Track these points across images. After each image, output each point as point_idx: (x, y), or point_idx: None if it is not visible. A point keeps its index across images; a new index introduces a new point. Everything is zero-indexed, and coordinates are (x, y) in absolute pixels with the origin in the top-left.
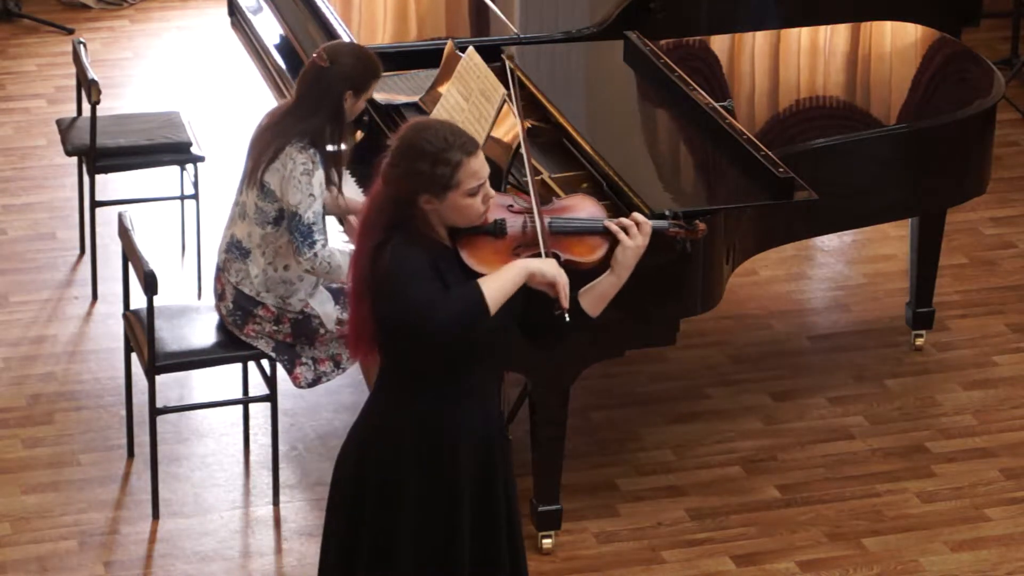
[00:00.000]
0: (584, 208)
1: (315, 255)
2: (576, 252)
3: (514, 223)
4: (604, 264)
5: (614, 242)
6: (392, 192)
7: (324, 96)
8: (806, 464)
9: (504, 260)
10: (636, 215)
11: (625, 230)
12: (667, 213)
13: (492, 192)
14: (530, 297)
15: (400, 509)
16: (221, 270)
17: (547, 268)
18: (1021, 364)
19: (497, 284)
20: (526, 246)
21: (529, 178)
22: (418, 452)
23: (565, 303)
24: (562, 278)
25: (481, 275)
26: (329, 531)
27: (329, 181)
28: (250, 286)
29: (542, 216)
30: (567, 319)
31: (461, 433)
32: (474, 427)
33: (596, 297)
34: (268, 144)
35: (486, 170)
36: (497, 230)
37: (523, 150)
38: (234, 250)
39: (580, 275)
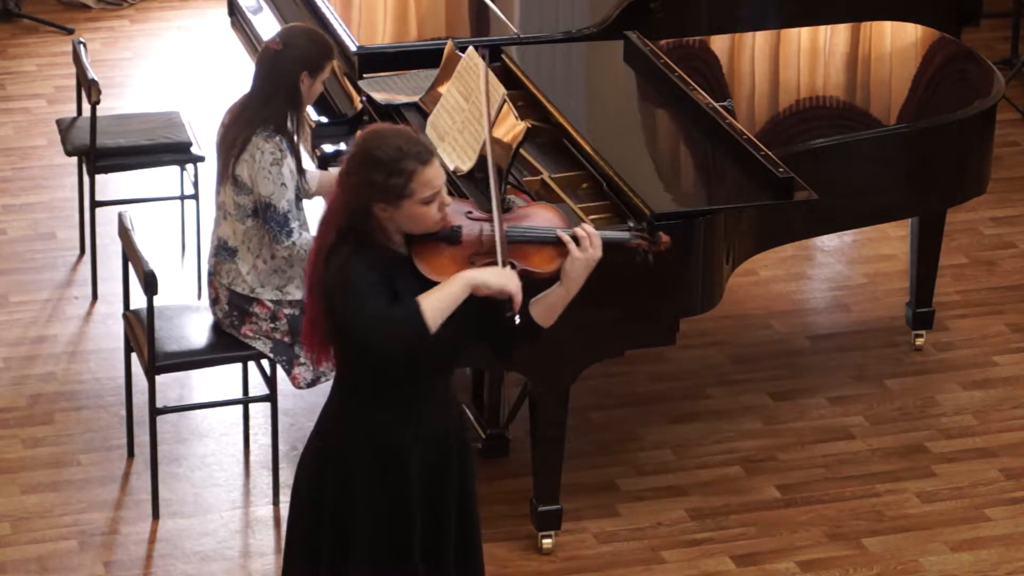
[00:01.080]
0: (543, 217)
1: (293, 243)
2: (533, 262)
3: (470, 230)
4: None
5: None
6: (348, 199)
7: (280, 80)
8: (806, 464)
9: (459, 268)
10: (585, 226)
11: (577, 241)
12: (630, 224)
13: (448, 199)
14: (483, 303)
15: (355, 505)
16: (212, 275)
17: (491, 278)
18: (1021, 364)
19: (437, 300)
20: (482, 254)
21: (491, 184)
22: (364, 456)
23: (516, 306)
24: (510, 285)
25: (435, 283)
26: (292, 530)
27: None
28: (243, 284)
29: (501, 224)
30: (517, 321)
31: (408, 438)
32: (424, 432)
33: (546, 308)
34: (234, 139)
35: (441, 178)
36: (452, 237)
37: (488, 154)
38: (222, 252)
39: (537, 284)
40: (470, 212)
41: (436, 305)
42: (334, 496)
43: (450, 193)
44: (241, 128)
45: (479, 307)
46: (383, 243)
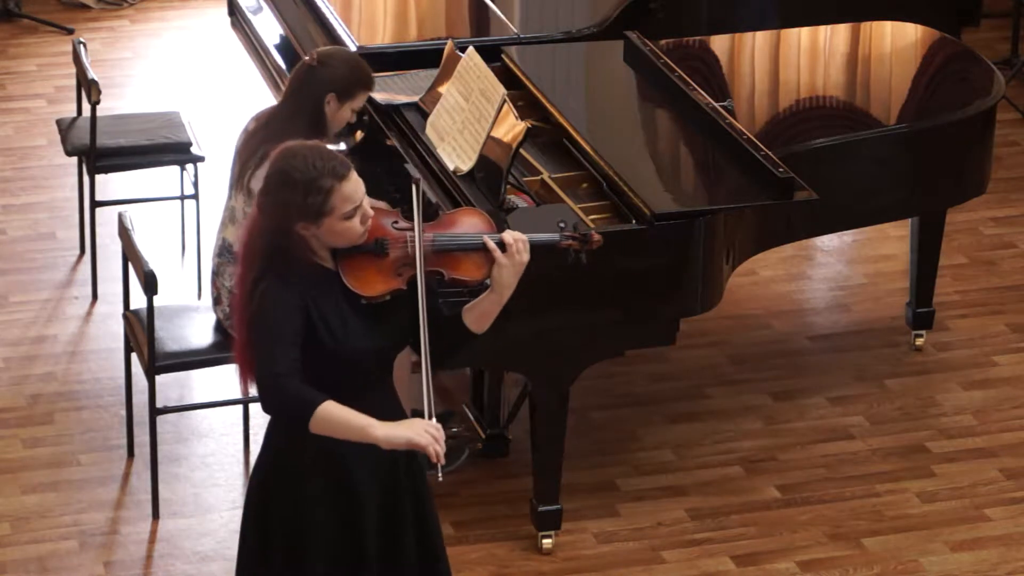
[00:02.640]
0: (468, 223)
1: None
2: (461, 270)
3: (397, 241)
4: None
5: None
6: (267, 221)
7: (307, 96)
8: (806, 464)
9: (386, 279)
10: (513, 232)
11: (504, 247)
12: (561, 225)
13: (371, 212)
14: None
15: (303, 521)
16: (215, 275)
17: (396, 435)
18: (1021, 364)
19: (332, 421)
20: (409, 264)
21: (413, 194)
22: (313, 466)
23: (438, 458)
24: (422, 438)
25: (363, 297)
26: (243, 537)
27: None
28: None
29: (423, 236)
30: (440, 478)
31: (353, 447)
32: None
33: (479, 315)
34: (255, 149)
35: (361, 191)
36: (378, 249)
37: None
38: (226, 254)
39: (473, 291)
40: (396, 222)
41: (330, 421)
42: (283, 511)
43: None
44: (263, 140)
45: (407, 312)
46: (309, 260)
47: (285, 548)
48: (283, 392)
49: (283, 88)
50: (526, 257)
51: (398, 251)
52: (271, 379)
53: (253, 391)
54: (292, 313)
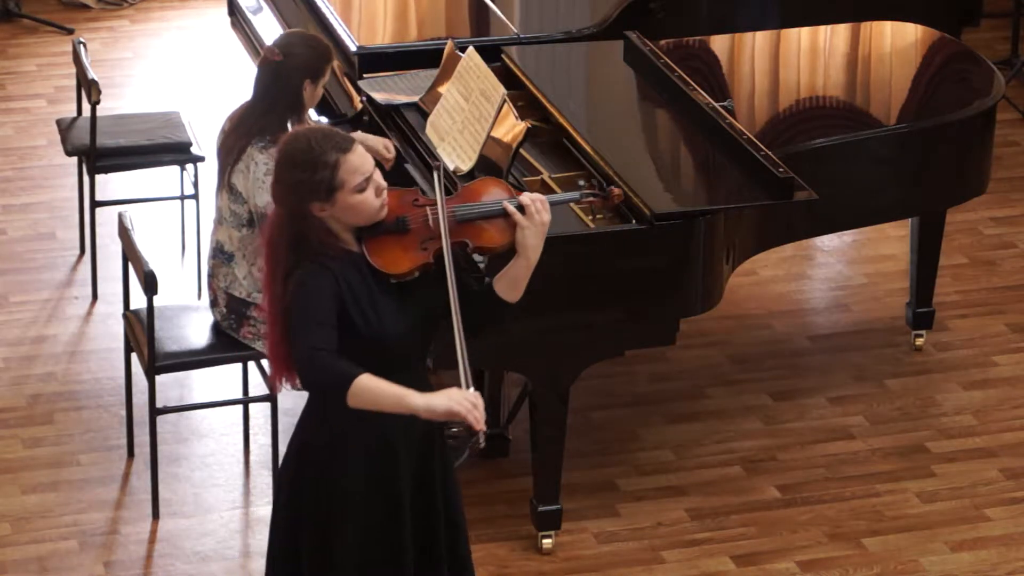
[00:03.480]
0: (489, 191)
1: None
2: (485, 239)
3: (417, 217)
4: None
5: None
6: (285, 210)
7: (283, 89)
8: (806, 464)
9: (412, 255)
10: (531, 193)
11: (523, 209)
12: (580, 183)
13: (383, 183)
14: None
15: (340, 512)
16: (211, 276)
17: (437, 403)
18: (1021, 364)
19: (371, 393)
20: (433, 238)
21: (435, 179)
22: (353, 455)
23: (478, 425)
24: (461, 406)
25: (389, 275)
26: (274, 538)
27: None
28: (240, 288)
29: (445, 206)
30: (482, 444)
31: (395, 434)
32: (408, 427)
33: (509, 282)
34: (232, 147)
35: (369, 163)
36: (400, 226)
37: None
38: (219, 255)
39: (498, 258)
40: (416, 200)
41: (368, 392)
42: (318, 501)
43: (388, 181)
44: (239, 137)
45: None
46: (333, 245)
47: (313, 552)
48: (321, 365)
49: None
50: (547, 217)
51: (420, 226)
52: (309, 352)
53: (286, 387)
54: (327, 296)
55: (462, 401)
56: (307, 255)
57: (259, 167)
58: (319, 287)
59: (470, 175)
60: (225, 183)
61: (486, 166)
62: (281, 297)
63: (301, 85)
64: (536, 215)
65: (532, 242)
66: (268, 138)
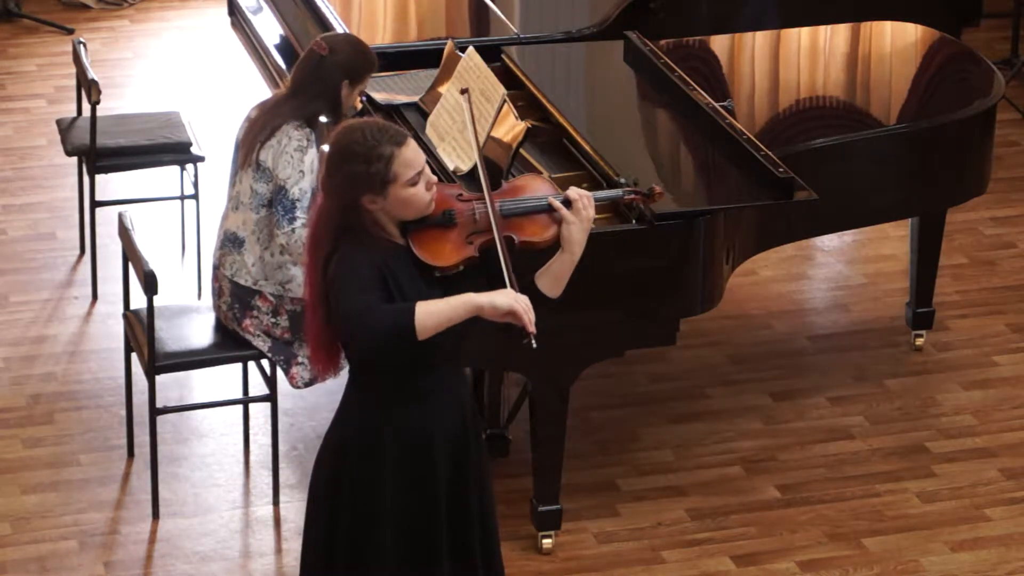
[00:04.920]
0: (533, 187)
1: (292, 230)
2: (529, 232)
3: (464, 211)
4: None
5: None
6: (335, 201)
7: (323, 84)
8: (806, 464)
9: (458, 248)
10: (577, 188)
11: (570, 204)
12: (622, 181)
13: (434, 178)
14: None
15: (377, 509)
16: (217, 267)
17: (499, 300)
18: (1021, 364)
19: (435, 312)
20: (479, 232)
21: (479, 161)
22: (392, 452)
23: (531, 327)
24: (519, 304)
25: (434, 268)
26: (309, 533)
27: None
28: (247, 276)
29: (493, 200)
30: (534, 345)
31: (433, 431)
32: (446, 424)
33: (552, 278)
34: (264, 126)
35: (421, 157)
36: (446, 220)
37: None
38: (228, 244)
39: (541, 253)
40: (460, 194)
41: (433, 315)
42: (352, 501)
43: (436, 176)
44: (272, 118)
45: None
46: (379, 235)
47: (350, 549)
48: (379, 315)
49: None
50: (592, 213)
51: (466, 220)
52: (363, 309)
53: (336, 376)
54: (372, 267)
55: (519, 299)
56: (349, 239)
57: (292, 142)
58: (363, 259)
59: (470, 176)
60: (252, 160)
61: (486, 166)
62: (322, 283)
63: (340, 83)
64: (584, 210)
65: (577, 237)
66: (304, 121)
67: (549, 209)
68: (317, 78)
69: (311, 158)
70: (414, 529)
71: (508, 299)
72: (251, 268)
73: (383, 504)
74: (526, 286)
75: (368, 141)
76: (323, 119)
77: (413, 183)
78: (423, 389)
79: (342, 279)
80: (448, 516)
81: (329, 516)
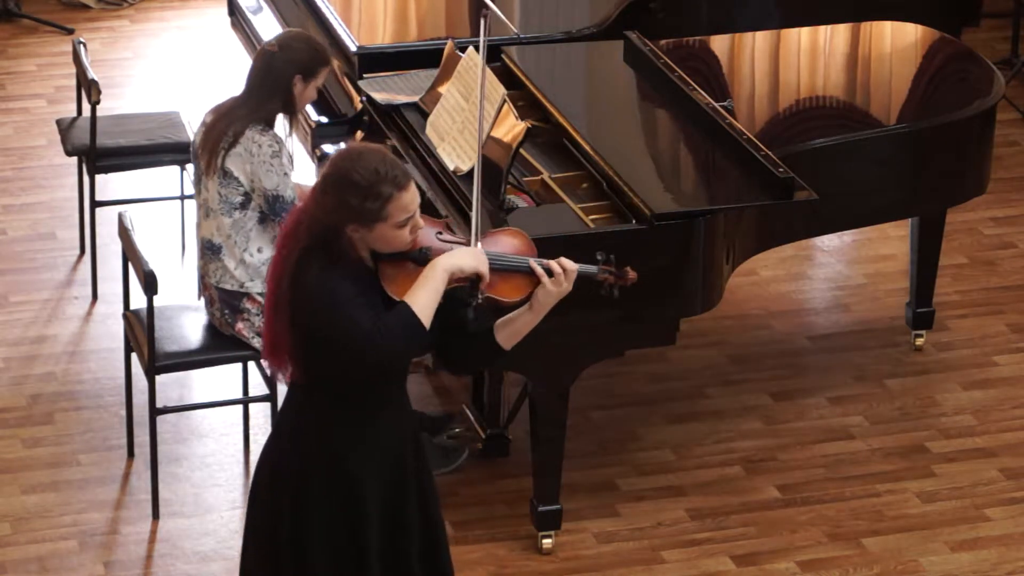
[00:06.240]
0: (512, 244)
1: None
2: (500, 290)
3: (439, 252)
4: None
5: (538, 281)
6: (321, 217)
7: (275, 82)
8: (806, 464)
9: None
10: (563, 260)
11: (550, 272)
12: (599, 257)
13: (421, 223)
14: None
15: (311, 529)
16: (203, 276)
17: (465, 262)
18: (1021, 364)
19: (421, 296)
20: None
21: (474, 206)
22: (326, 480)
23: (484, 285)
24: (484, 266)
25: (396, 301)
26: (249, 532)
27: None
28: (231, 280)
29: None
30: (480, 300)
31: (369, 457)
32: (385, 443)
33: (512, 333)
34: (224, 131)
35: (416, 202)
36: (421, 259)
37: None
38: (207, 252)
39: (499, 309)
40: (440, 233)
41: (424, 300)
42: (291, 515)
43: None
44: (231, 123)
45: (439, 313)
46: (353, 256)
47: (290, 549)
48: (390, 326)
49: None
50: (570, 287)
51: None
52: (373, 328)
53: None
54: (353, 285)
55: (482, 258)
56: (320, 257)
57: (263, 149)
58: (341, 280)
59: (470, 176)
60: (217, 167)
61: (486, 166)
62: (288, 286)
63: (292, 80)
64: (563, 283)
65: (549, 303)
66: (263, 124)
67: (527, 271)
68: (269, 77)
69: (287, 155)
70: (344, 555)
71: (474, 259)
72: (234, 272)
73: (313, 531)
74: (483, 334)
75: (371, 176)
76: (280, 116)
77: (401, 226)
78: (367, 403)
79: (333, 306)
80: (380, 537)
81: (269, 519)
